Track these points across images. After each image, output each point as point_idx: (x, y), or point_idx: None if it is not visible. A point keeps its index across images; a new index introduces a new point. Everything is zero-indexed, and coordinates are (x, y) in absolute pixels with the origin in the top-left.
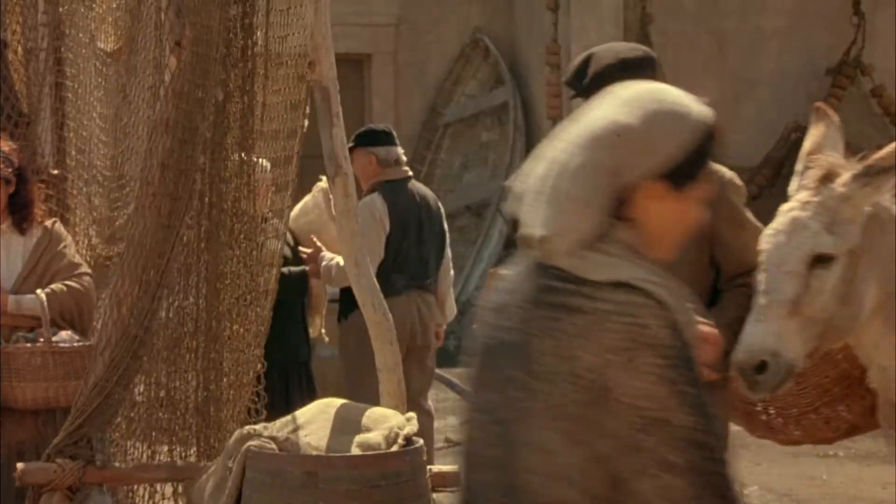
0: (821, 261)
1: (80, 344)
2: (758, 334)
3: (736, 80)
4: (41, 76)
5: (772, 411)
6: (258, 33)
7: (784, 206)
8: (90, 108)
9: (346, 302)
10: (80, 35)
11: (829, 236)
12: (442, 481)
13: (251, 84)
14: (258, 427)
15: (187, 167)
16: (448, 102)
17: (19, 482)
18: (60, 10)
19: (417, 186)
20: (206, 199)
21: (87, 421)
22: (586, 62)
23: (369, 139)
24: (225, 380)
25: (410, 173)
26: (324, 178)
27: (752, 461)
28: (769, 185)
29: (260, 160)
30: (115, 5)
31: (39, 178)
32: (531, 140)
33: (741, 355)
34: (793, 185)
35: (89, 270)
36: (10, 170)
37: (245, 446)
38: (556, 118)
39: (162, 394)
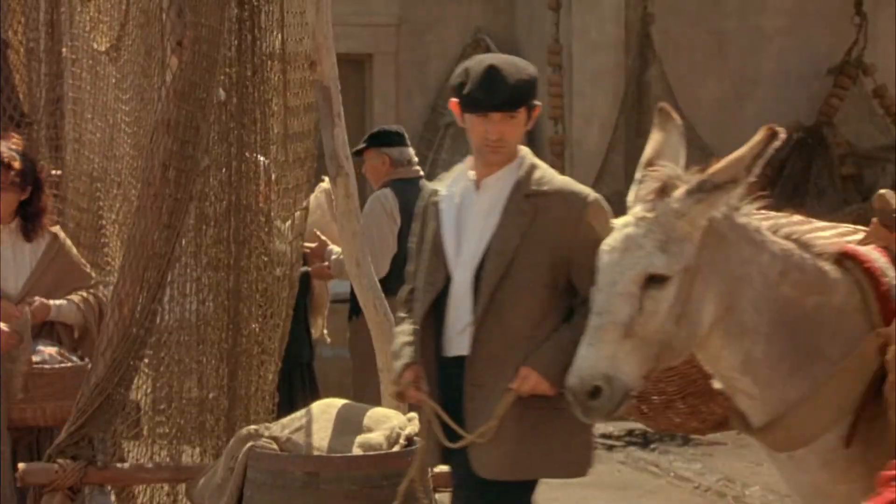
0: (654, 281)
1: (63, 366)
2: (590, 359)
3: (736, 80)
4: (43, 77)
5: (654, 398)
6: (278, 35)
7: (619, 221)
8: (96, 108)
9: (357, 300)
10: (83, 35)
11: (662, 256)
12: (443, 481)
13: (262, 85)
14: (259, 427)
15: (188, 167)
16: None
17: (20, 482)
18: (63, 10)
19: (428, 186)
20: (234, 198)
21: (88, 421)
22: (490, 76)
23: (382, 140)
24: (243, 377)
25: (422, 173)
26: (326, 178)
27: (754, 461)
28: (770, 186)
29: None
30: (109, 5)
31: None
32: (531, 140)
33: (573, 380)
34: (630, 195)
35: (97, 276)
36: (31, 177)
37: (247, 446)
38: (557, 118)
39: (192, 395)
